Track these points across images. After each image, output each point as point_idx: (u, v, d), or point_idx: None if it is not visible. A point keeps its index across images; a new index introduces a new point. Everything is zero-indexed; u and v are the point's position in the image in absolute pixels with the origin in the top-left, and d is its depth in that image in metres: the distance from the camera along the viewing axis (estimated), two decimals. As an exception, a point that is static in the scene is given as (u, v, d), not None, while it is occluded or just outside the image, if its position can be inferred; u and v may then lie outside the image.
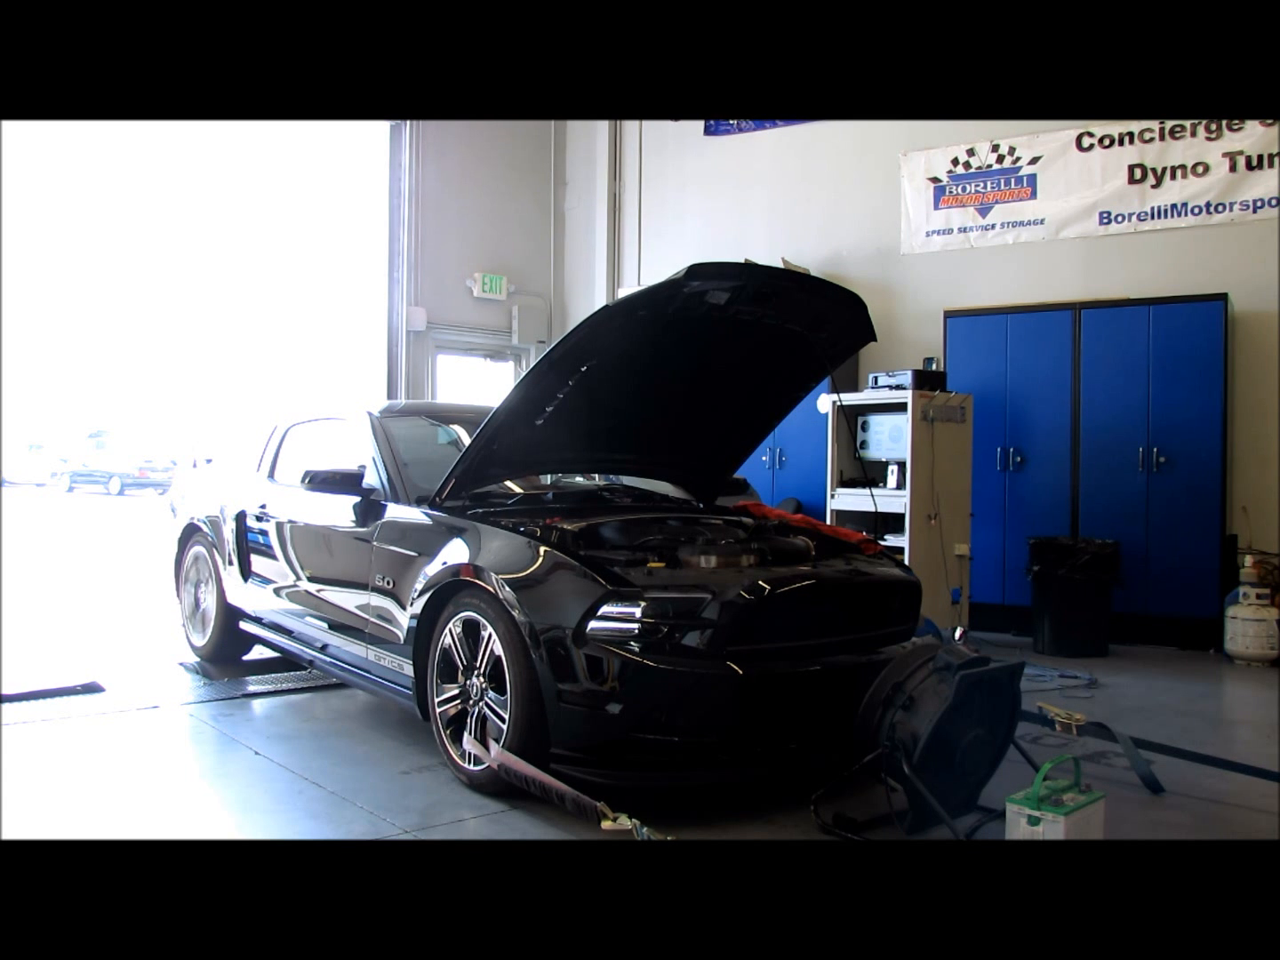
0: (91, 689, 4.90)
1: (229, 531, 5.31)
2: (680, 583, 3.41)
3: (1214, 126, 7.11)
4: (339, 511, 4.44)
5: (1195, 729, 4.72)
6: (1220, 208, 7.10)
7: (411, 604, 3.82)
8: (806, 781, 3.38)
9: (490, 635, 3.49)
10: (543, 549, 3.49)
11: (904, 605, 3.94)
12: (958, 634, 5.31)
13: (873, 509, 6.03)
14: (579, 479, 5.27)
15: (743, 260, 6.04)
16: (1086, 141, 7.56)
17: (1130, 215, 7.41)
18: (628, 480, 5.14)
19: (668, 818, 3.22)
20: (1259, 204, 6.97)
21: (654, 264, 9.79)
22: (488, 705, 3.54)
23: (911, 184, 8.34)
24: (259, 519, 5.10)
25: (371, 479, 4.39)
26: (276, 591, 4.95)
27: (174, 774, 3.84)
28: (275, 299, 9.23)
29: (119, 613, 7.31)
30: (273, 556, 4.97)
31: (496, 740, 3.45)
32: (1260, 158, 6.95)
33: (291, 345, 9.31)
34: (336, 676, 4.62)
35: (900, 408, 6.54)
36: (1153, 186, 7.32)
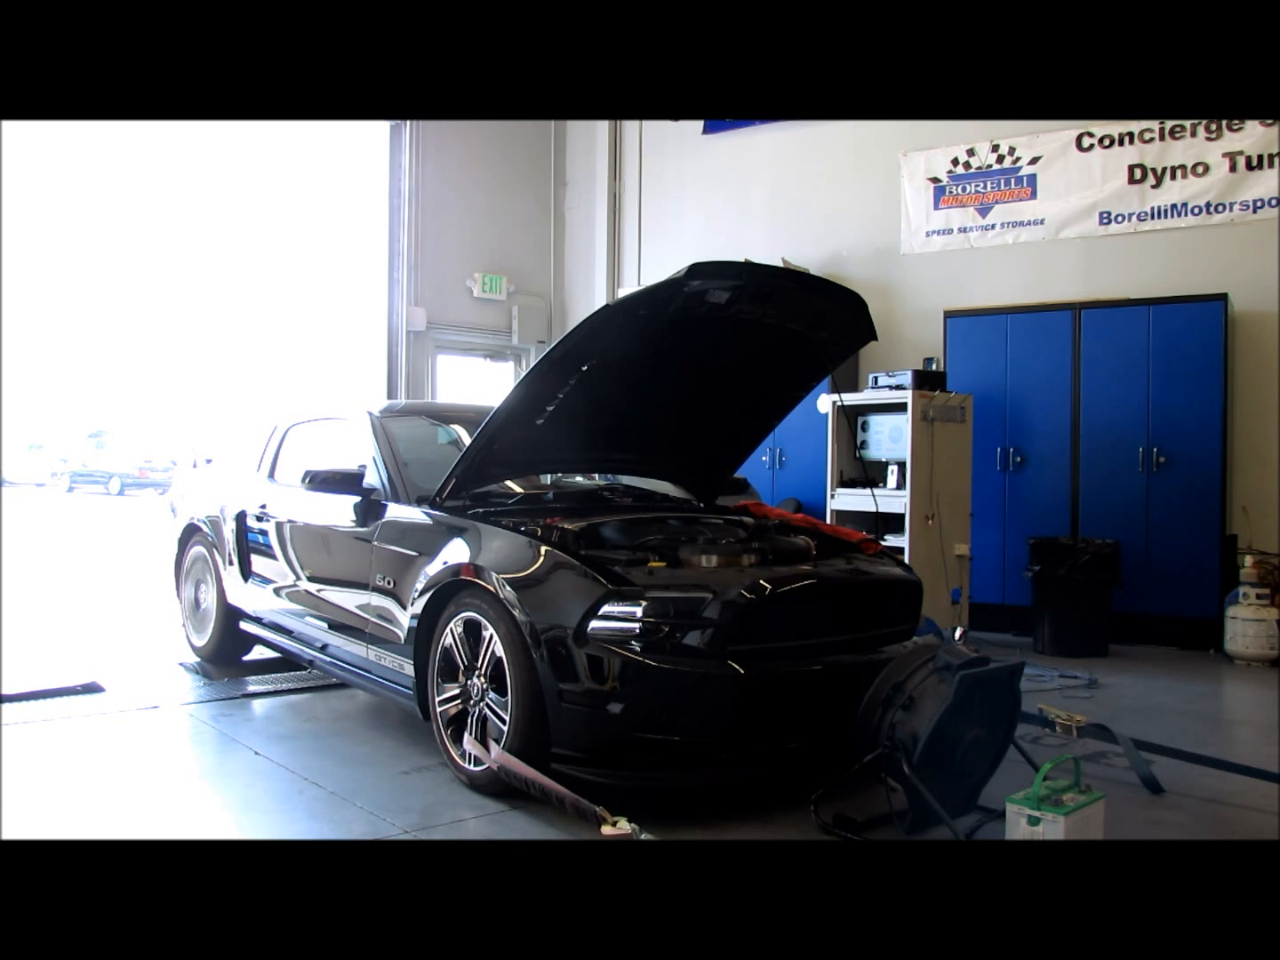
0: (91, 689, 4.90)
1: (229, 531, 5.31)
2: (681, 582, 3.41)
3: (1214, 126, 7.11)
4: (339, 511, 4.44)
5: (1195, 729, 4.72)
6: (1220, 208, 7.10)
7: (412, 604, 3.82)
8: (806, 781, 3.38)
9: (491, 635, 3.49)
10: (543, 549, 3.49)
11: (905, 605, 3.94)
12: (958, 634, 5.31)
13: (873, 509, 6.02)
14: (579, 479, 5.27)
15: (743, 260, 6.04)
16: (1086, 141, 7.56)
17: (1130, 215, 7.41)
18: (628, 480, 5.14)
19: (668, 818, 3.22)
20: (1259, 204, 6.97)
21: (654, 264, 9.79)
22: (488, 706, 3.54)
23: (911, 184, 8.34)
24: (259, 519, 5.10)
25: (372, 479, 4.39)
26: (277, 591, 4.95)
27: (174, 774, 3.84)
28: (275, 299, 9.23)
29: (119, 613, 7.31)
30: (273, 556, 4.97)
31: (497, 740, 3.45)
32: (1260, 158, 6.95)
33: (291, 345, 9.30)
34: (337, 676, 4.62)
35: (900, 408, 6.54)
36: (1153, 186, 7.33)
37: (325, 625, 4.52)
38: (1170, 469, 6.80)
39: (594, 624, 3.25)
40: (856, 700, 3.29)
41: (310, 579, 4.66)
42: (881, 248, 8.49)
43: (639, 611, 3.25)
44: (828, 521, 6.52)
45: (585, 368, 3.85)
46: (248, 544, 5.20)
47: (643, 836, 2.94)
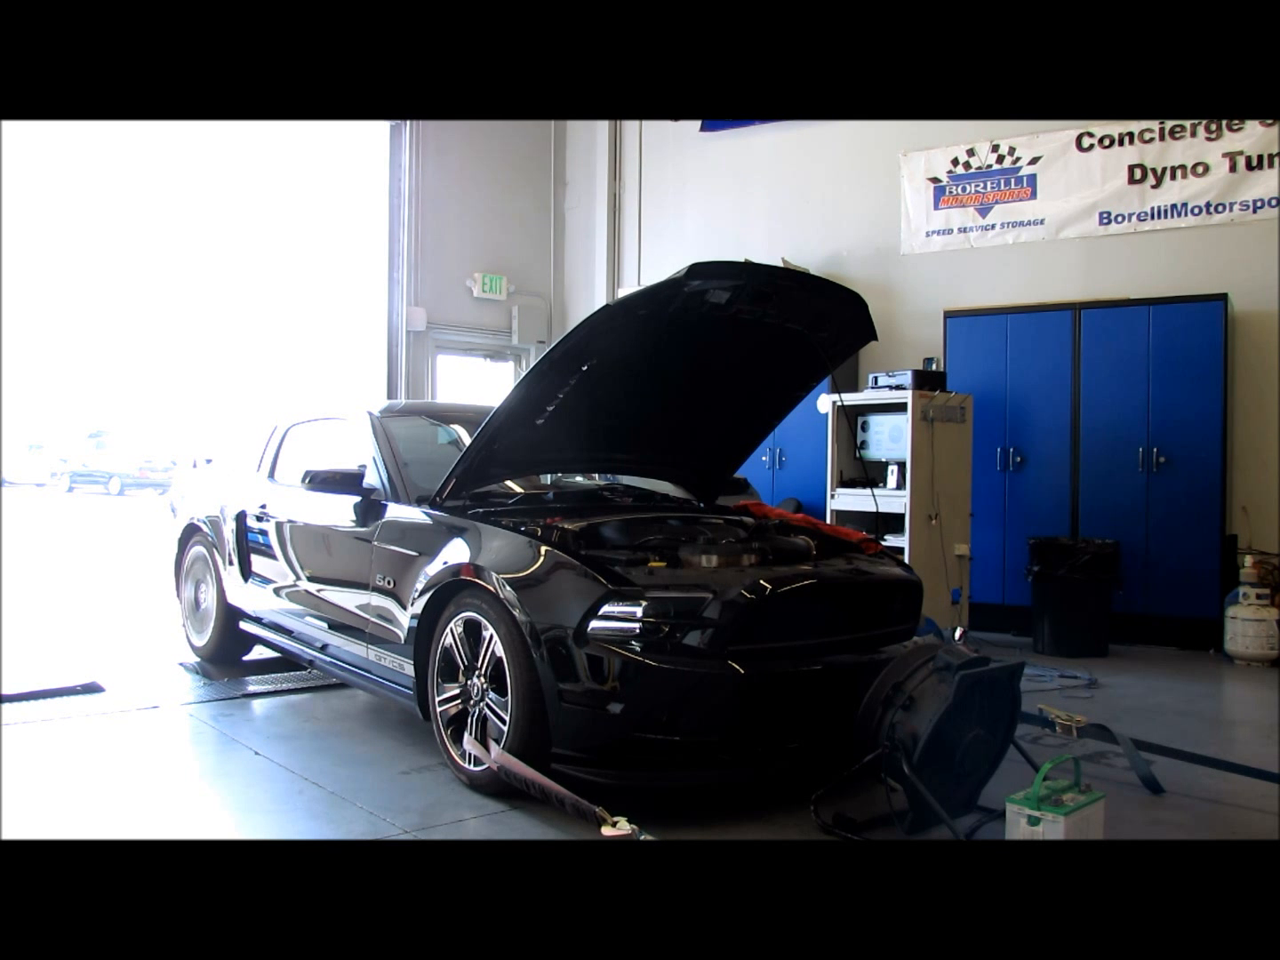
0: (91, 689, 4.90)
1: (229, 531, 5.31)
2: (681, 582, 3.41)
3: (1214, 126, 7.11)
4: (339, 511, 4.44)
5: (1195, 729, 4.72)
6: (1220, 208, 7.10)
7: (412, 604, 3.82)
8: (806, 781, 3.39)
9: (491, 635, 3.49)
10: (543, 548, 3.49)
11: (905, 605, 3.94)
12: (958, 634, 5.31)
13: (873, 509, 6.02)
14: (579, 479, 5.27)
15: (743, 260, 6.05)
16: (1086, 141, 7.56)
17: (1130, 215, 7.41)
18: (628, 480, 5.14)
19: (668, 818, 3.22)
20: (1259, 204, 6.97)
21: (654, 264, 9.79)
22: (488, 705, 3.54)
23: (911, 184, 8.34)
24: (259, 519, 5.10)
25: (372, 479, 4.39)
26: (277, 591, 4.95)
27: (174, 774, 3.84)
28: (275, 299, 9.22)
29: (119, 613, 7.31)
30: (273, 556, 4.97)
31: (497, 740, 3.45)
32: (1260, 158, 6.96)
33: (291, 345, 9.30)
34: (337, 676, 4.62)
35: (900, 408, 6.54)
36: (1153, 186, 7.33)
37: (325, 625, 4.52)
38: (1170, 469, 6.80)
39: (594, 624, 3.25)
40: (856, 700, 3.29)
41: (310, 579, 4.66)
42: (881, 248, 8.49)
43: (639, 611, 3.25)
44: (828, 521, 6.52)
45: (585, 368, 3.84)
46: (248, 544, 5.20)
47: (643, 836, 2.94)
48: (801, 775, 3.42)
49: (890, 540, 6.32)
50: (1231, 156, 7.05)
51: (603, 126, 10.04)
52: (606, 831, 2.97)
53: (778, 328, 4.06)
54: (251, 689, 5.08)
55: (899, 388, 6.60)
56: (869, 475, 6.62)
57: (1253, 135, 6.98)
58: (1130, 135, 7.40)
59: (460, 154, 9.61)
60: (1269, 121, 6.82)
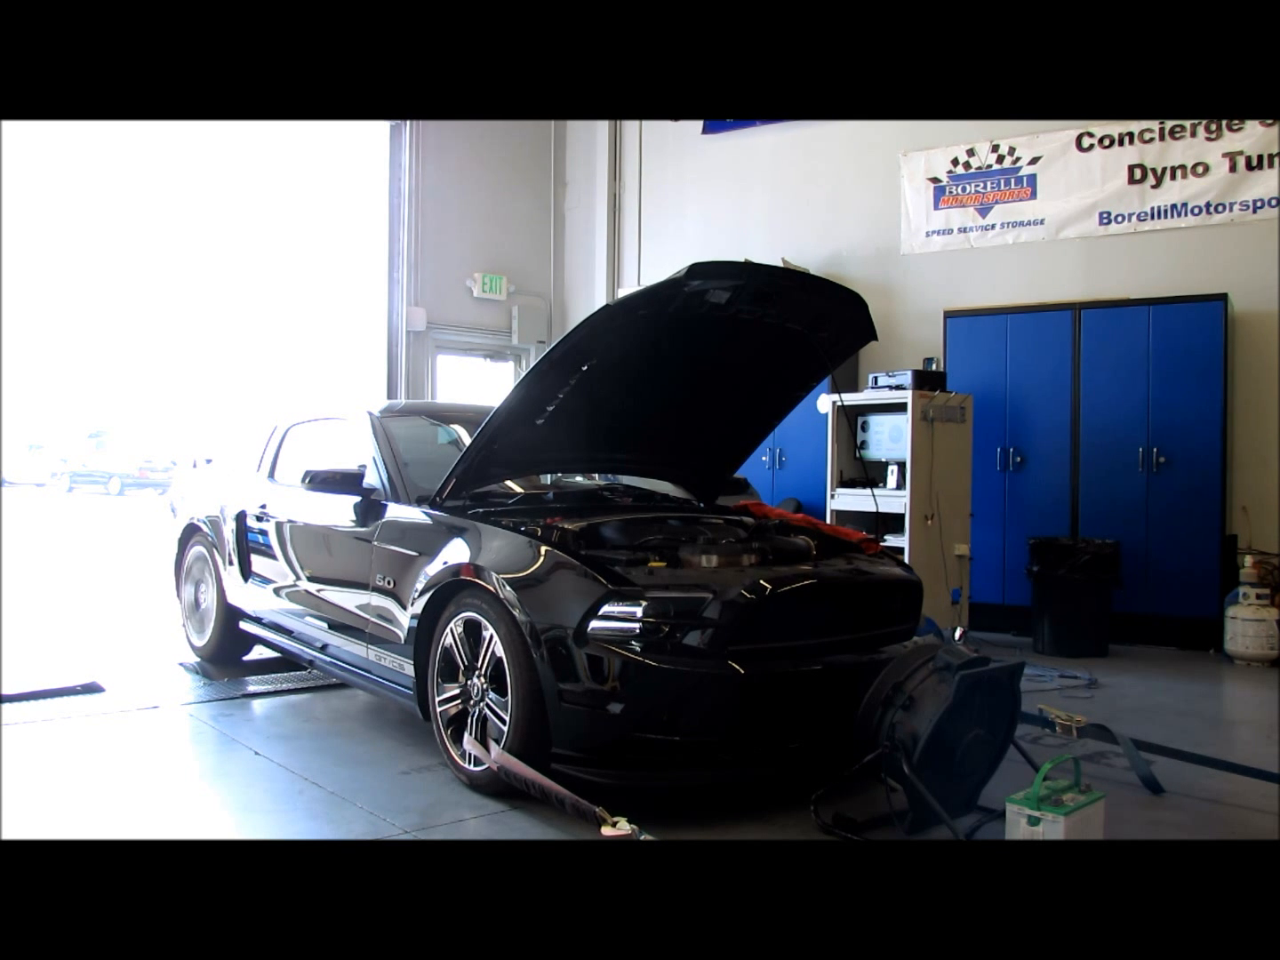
0: (91, 689, 4.90)
1: (229, 531, 5.31)
2: (681, 582, 3.41)
3: (1214, 126, 7.11)
4: (339, 511, 4.44)
5: (1195, 729, 4.72)
6: (1220, 208, 7.10)
7: (412, 604, 3.82)
8: (806, 781, 3.39)
9: (491, 635, 3.49)
10: (543, 548, 3.49)
11: (905, 605, 3.94)
12: (958, 634, 5.31)
13: (873, 509, 6.02)
14: (579, 479, 5.27)
15: (743, 260, 6.04)
16: (1086, 141, 7.56)
17: (1130, 215, 7.41)
18: (628, 480, 5.14)
19: (668, 818, 3.22)
20: (1259, 204, 6.97)
21: (654, 264, 9.79)
22: (488, 706, 3.54)
23: (911, 184, 8.34)
24: (259, 519, 5.10)
25: (372, 479, 4.39)
26: (277, 591, 4.95)
27: (174, 774, 3.84)
28: (275, 299, 9.22)
29: (119, 613, 7.31)
30: (273, 556, 4.97)
31: (497, 740, 3.45)
32: (1260, 158, 6.96)
33: (291, 345, 9.30)
34: (337, 676, 4.62)
35: (900, 408, 6.54)
36: (1153, 186, 7.33)
37: (325, 625, 4.52)
38: (1170, 469, 6.80)
39: (594, 624, 3.25)
40: (856, 700, 3.29)
41: (310, 579, 4.66)
42: (881, 248, 8.49)
43: (639, 611, 3.25)
44: (828, 521, 6.52)
45: (585, 368, 3.84)
46: (248, 544, 5.20)
47: (643, 836, 2.94)
48: (801, 775, 3.42)
49: (890, 540, 6.32)
50: (1231, 156, 7.05)
51: (603, 126, 10.04)
52: (606, 831, 2.97)
53: (778, 328, 4.06)
54: (251, 689, 5.08)
55: (899, 388, 6.60)
56: (869, 475, 6.62)
57: (1253, 135, 6.98)
58: (1130, 135, 7.40)
59: (460, 154, 9.61)
60: (1269, 121, 6.83)
